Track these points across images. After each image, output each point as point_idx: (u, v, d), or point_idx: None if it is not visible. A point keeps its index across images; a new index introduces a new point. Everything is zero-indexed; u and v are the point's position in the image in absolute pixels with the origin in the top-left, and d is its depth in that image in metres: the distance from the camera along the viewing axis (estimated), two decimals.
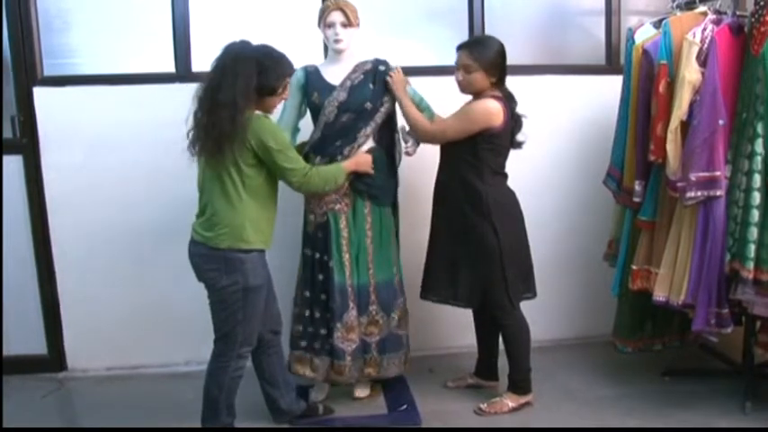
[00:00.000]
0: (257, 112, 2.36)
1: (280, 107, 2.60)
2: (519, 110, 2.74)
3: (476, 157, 2.65)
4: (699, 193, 2.52)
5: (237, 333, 2.39)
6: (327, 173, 2.56)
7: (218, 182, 2.33)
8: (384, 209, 2.81)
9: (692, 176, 2.51)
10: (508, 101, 2.69)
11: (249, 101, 2.29)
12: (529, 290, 2.83)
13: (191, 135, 2.34)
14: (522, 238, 2.78)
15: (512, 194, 2.76)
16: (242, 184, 2.32)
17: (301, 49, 2.90)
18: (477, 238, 2.68)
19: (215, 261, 2.35)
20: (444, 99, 2.81)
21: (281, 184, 2.47)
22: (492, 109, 2.61)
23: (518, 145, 2.78)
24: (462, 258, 2.73)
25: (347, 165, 2.64)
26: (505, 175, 2.76)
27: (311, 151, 2.75)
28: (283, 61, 2.39)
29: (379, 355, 2.82)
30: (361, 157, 2.71)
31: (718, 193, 2.52)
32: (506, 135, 2.69)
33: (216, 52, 2.32)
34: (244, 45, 2.34)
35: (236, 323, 2.38)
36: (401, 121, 2.82)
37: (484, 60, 2.63)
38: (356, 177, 2.71)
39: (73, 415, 2.92)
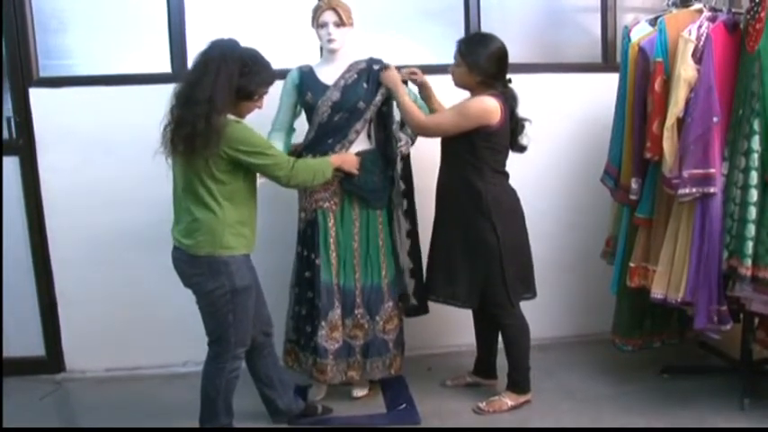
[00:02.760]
0: (230, 116, 2.27)
1: (273, 110, 2.59)
2: (520, 112, 2.73)
3: (475, 156, 2.64)
4: (693, 190, 2.52)
5: (230, 335, 2.37)
6: (314, 164, 2.54)
7: (193, 189, 2.28)
8: (374, 212, 2.78)
9: (686, 173, 2.51)
10: (508, 101, 2.68)
11: (227, 101, 2.22)
12: (528, 290, 2.82)
13: (165, 133, 2.26)
14: (523, 237, 2.78)
15: (513, 193, 2.75)
16: (218, 191, 2.27)
17: (298, 49, 2.90)
18: (477, 236, 2.67)
19: (198, 266, 2.32)
20: (440, 97, 2.82)
21: (275, 185, 2.44)
22: (489, 106, 2.60)
23: (521, 148, 2.77)
24: (462, 257, 2.72)
25: (333, 159, 2.61)
26: (506, 174, 2.75)
27: (304, 150, 2.75)
28: (269, 69, 2.34)
29: (363, 359, 2.80)
30: (348, 155, 2.68)
31: (713, 189, 2.52)
32: (505, 134, 2.69)
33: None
34: (231, 44, 2.29)
35: (229, 326, 2.36)
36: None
37: (469, 58, 2.63)
38: (345, 177, 2.68)
39: (72, 416, 2.91)
